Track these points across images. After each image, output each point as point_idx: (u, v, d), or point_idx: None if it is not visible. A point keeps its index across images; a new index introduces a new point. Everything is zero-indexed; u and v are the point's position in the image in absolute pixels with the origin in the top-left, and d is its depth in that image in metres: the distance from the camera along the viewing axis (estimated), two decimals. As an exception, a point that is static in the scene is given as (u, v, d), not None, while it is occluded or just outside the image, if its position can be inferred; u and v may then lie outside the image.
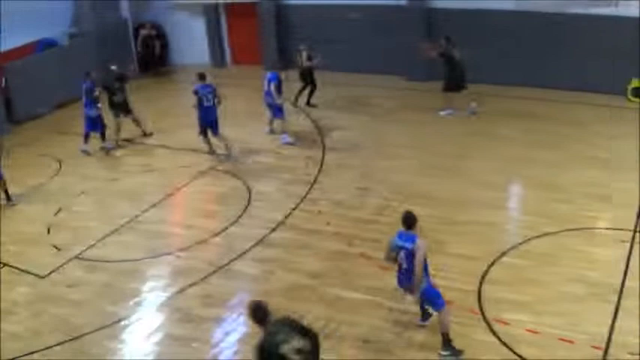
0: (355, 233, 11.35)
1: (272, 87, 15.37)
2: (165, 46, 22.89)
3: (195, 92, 14.63)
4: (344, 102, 18.01)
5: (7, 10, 18.34)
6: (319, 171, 13.87)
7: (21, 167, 15.60)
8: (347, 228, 11.55)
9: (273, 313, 6.64)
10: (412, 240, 8.16)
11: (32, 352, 9.39)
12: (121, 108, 16.29)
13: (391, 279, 8.85)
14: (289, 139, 15.51)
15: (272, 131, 16.10)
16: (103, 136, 16.13)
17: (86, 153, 15.94)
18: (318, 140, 15.55)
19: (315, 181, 13.41)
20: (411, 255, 8.19)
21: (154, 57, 22.49)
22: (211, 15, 22.04)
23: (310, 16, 19.18)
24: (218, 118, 14.83)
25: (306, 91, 17.77)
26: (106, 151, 16.12)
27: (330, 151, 14.85)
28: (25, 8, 19.16)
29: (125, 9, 22.20)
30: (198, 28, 22.46)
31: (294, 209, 12.45)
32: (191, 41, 22.47)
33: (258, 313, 6.68)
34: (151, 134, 16.80)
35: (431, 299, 8.44)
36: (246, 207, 12.78)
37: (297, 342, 6.31)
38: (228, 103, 15.58)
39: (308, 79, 17.59)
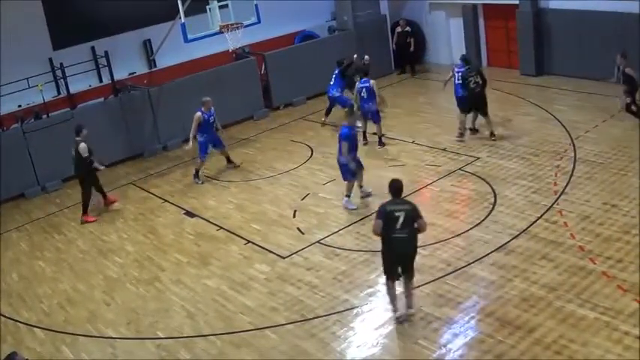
0: (599, 250, 10.96)
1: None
2: (419, 43, 23.30)
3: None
4: (600, 112, 16.87)
5: (272, 2, 19.98)
6: (568, 182, 13.49)
7: (270, 151, 17.22)
8: (591, 244, 11.19)
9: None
10: None
11: (264, 328, 10.27)
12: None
13: (630, 302, 8.57)
14: (352, 205, 13.87)
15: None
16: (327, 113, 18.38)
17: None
18: (569, 150, 15.01)
19: (562, 192, 13.10)
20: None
21: (408, 54, 23.04)
22: (469, 16, 22.09)
23: (571, 21, 18.41)
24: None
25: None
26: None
27: (581, 162, 14.24)
28: (289, 1, 20.91)
29: (384, 6, 23.10)
30: (455, 28, 22.77)
31: (538, 218, 12.29)
32: (448, 41, 22.87)
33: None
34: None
35: None
36: (491, 211, 12.85)
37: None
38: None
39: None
